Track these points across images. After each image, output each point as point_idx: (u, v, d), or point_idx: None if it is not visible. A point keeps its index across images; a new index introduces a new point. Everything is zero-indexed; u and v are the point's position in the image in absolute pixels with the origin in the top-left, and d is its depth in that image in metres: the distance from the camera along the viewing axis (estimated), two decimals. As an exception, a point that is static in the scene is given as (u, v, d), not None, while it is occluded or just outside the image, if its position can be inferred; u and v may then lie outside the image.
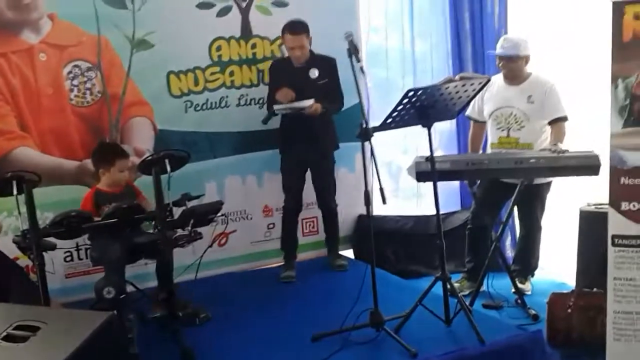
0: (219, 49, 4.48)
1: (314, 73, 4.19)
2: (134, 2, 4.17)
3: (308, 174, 4.49)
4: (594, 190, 3.93)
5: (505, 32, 4.67)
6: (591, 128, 4.42)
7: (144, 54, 4.24)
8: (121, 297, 3.32)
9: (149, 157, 3.54)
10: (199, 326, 3.69)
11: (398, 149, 5.08)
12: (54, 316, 2.45)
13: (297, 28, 4.18)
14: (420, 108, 3.33)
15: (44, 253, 3.29)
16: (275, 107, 4.22)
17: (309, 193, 4.54)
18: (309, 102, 4.14)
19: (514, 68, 4.06)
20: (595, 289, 3.50)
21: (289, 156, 4.45)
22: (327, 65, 4.21)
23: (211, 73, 4.48)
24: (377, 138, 3.37)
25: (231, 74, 4.54)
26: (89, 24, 4.10)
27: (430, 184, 3.53)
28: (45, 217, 3.70)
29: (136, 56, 4.23)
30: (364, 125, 3.32)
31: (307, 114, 4.15)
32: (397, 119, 3.37)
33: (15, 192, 3.24)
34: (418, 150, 4.79)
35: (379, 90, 4.88)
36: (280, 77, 4.33)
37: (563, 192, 4.37)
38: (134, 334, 3.28)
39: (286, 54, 4.39)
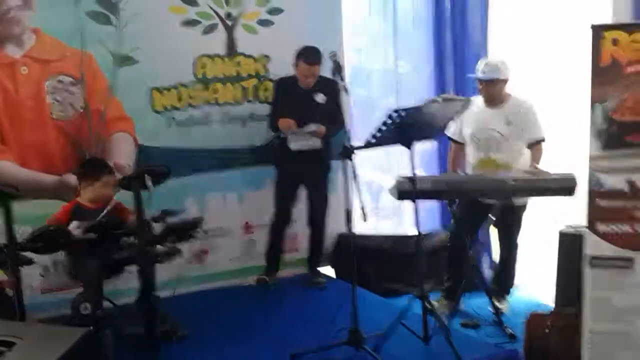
0: (203, 66, 4.50)
1: (321, 97, 4.24)
2: (119, 18, 4.19)
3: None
4: (574, 212, 3.97)
5: (486, 55, 4.74)
6: (571, 149, 4.47)
7: (127, 69, 4.25)
8: (98, 313, 3.29)
9: (131, 173, 3.53)
10: (176, 343, 3.66)
11: (378, 168, 5.12)
12: (30, 332, 2.42)
13: (313, 58, 4.24)
14: (402, 128, 3.36)
15: (20, 268, 3.25)
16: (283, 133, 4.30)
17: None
18: (313, 127, 4.25)
19: (493, 91, 4.10)
20: (572, 309, 3.52)
21: (285, 171, 4.49)
22: (332, 87, 4.20)
23: (195, 90, 4.50)
24: (358, 157, 3.39)
25: (215, 91, 4.56)
26: (73, 39, 4.10)
27: (409, 203, 3.55)
28: (22, 232, 3.66)
29: (120, 72, 4.23)
30: (346, 144, 3.34)
31: (313, 135, 4.26)
32: (379, 139, 3.39)
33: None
34: (399, 170, 4.83)
35: (360, 110, 4.92)
36: (286, 97, 4.39)
37: (542, 212, 4.41)
38: (110, 351, 3.24)
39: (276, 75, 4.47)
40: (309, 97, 4.28)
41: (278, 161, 4.52)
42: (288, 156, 4.39)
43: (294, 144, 4.33)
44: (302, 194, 4.58)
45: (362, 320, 3.36)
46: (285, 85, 4.45)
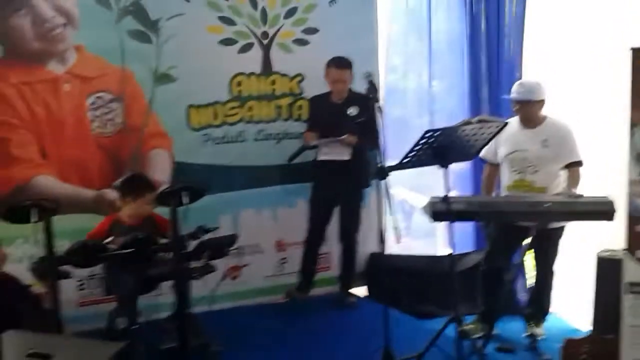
0: (239, 84, 4.56)
1: (353, 110, 4.27)
2: (158, 37, 4.27)
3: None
4: (609, 235, 3.90)
5: (520, 76, 4.71)
6: (608, 173, 4.40)
7: (165, 87, 4.33)
8: (133, 327, 3.32)
9: (167, 189, 3.58)
10: (210, 359, 3.68)
11: (411, 188, 5.10)
12: (67, 345, 2.47)
13: (342, 63, 4.37)
14: (437, 148, 3.36)
15: (58, 281, 3.31)
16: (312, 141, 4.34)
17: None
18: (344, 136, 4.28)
19: (529, 112, 4.06)
20: (610, 336, 3.45)
21: (320, 189, 4.52)
22: (365, 102, 4.20)
23: (231, 108, 4.56)
24: (391, 176, 3.39)
25: (250, 109, 4.61)
26: (113, 57, 4.20)
27: (443, 224, 3.53)
28: (61, 245, 3.72)
29: (158, 89, 4.31)
30: (380, 164, 3.35)
31: (344, 145, 4.29)
32: (414, 159, 3.39)
33: (34, 219, 3.27)
34: (432, 190, 4.80)
35: (394, 129, 4.91)
36: (319, 112, 4.46)
37: (579, 236, 4.33)
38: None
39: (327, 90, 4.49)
40: (341, 110, 4.30)
41: (314, 178, 4.54)
42: (322, 173, 4.42)
43: (322, 155, 4.37)
44: (336, 211, 4.59)
45: (395, 341, 3.34)
46: (318, 101, 4.53)
